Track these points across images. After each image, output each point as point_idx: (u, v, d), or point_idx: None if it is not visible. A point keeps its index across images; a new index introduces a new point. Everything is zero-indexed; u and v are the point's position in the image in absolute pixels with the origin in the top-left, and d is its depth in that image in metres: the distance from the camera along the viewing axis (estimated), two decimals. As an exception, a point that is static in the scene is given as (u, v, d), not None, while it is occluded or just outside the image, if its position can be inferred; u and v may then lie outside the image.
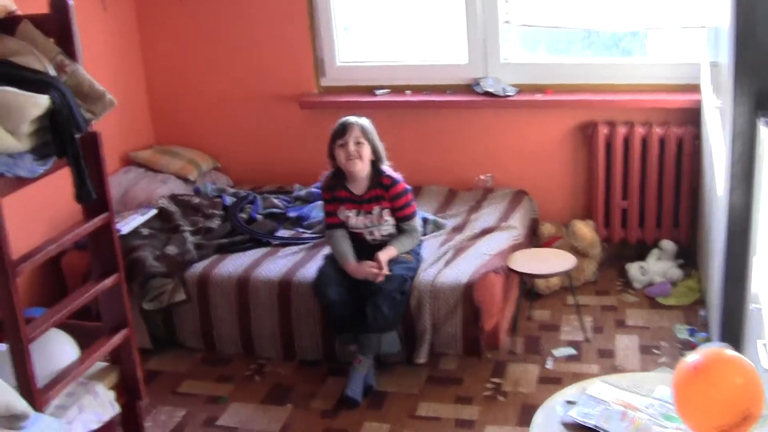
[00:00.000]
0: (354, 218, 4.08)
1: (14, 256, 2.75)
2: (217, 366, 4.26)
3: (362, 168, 4.02)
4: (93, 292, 3.14)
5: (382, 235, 4.10)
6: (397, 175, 4.11)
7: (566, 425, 2.53)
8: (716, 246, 3.91)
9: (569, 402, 2.61)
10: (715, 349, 2.44)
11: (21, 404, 2.58)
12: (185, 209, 4.84)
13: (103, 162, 3.07)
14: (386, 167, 4.11)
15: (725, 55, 3.61)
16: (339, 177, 4.10)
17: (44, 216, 4.54)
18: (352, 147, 3.98)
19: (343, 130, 4.02)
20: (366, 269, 3.94)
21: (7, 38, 2.92)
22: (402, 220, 4.10)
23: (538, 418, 2.58)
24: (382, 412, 3.79)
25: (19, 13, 3.00)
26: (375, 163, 4.07)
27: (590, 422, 2.49)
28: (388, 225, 4.09)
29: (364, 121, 4.08)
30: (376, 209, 4.07)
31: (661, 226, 4.97)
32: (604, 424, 2.47)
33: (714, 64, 4.06)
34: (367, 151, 4.02)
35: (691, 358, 2.39)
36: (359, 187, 4.08)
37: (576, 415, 2.53)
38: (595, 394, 2.63)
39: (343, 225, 4.10)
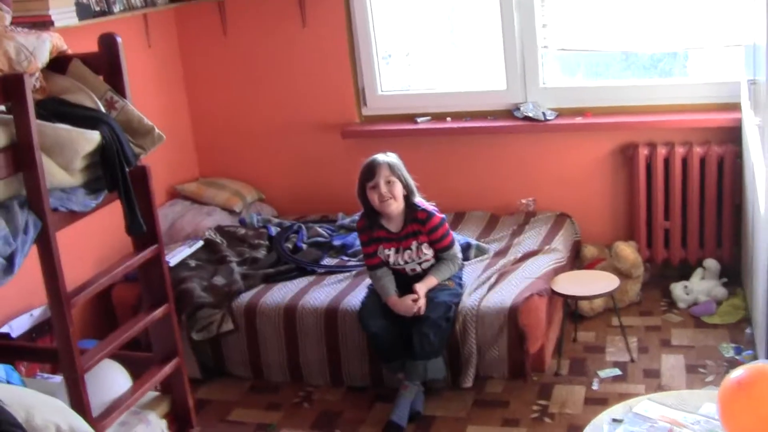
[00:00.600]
0: (394, 256, 4.08)
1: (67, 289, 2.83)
2: (266, 394, 4.32)
3: (396, 207, 4.01)
4: (144, 323, 3.22)
5: (423, 269, 4.12)
6: (431, 207, 4.10)
7: (613, 444, 2.55)
8: (760, 263, 3.90)
9: (615, 420, 2.63)
10: (759, 364, 2.44)
11: (85, 427, 2.64)
12: (231, 240, 4.93)
13: (153, 195, 3.16)
14: (419, 199, 4.10)
15: (763, 73, 3.62)
16: (373, 217, 4.08)
17: (92, 248, 4.64)
18: (383, 188, 3.96)
19: (372, 171, 3.99)
20: (406, 304, 3.93)
21: (59, 77, 3.03)
22: (441, 251, 4.09)
23: (585, 437, 2.60)
24: (429, 437, 3.83)
25: (70, 52, 3.11)
26: (407, 197, 4.05)
27: (636, 440, 2.51)
28: (427, 258, 4.10)
29: (392, 158, 4.06)
30: (414, 244, 4.06)
31: (704, 246, 4.95)
32: (650, 442, 2.49)
33: (752, 82, 4.06)
34: (399, 189, 4.00)
35: (736, 373, 2.40)
36: (395, 225, 4.08)
37: (622, 433, 2.55)
38: (642, 412, 2.64)
39: (383, 263, 4.12)
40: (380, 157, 4.03)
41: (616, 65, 5.25)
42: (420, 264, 4.09)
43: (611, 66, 5.27)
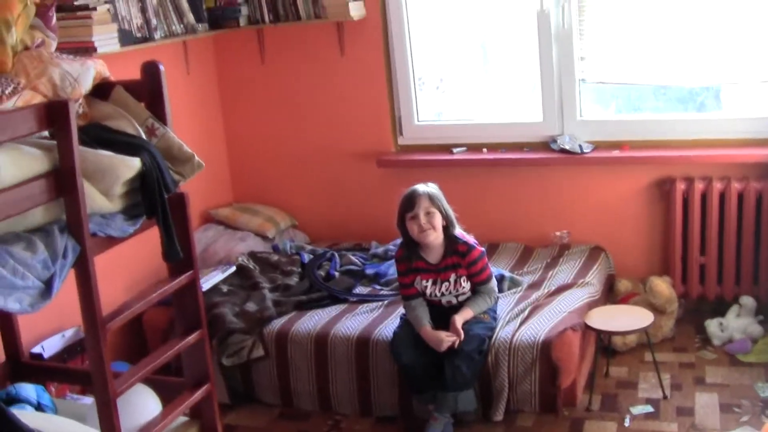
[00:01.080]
0: (431, 287, 4.07)
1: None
2: (295, 421, 4.31)
3: (436, 237, 4.00)
4: (178, 348, 3.22)
5: (459, 301, 4.10)
6: (471, 240, 4.10)
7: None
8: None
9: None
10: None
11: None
12: (264, 266, 4.94)
13: (190, 222, 3.16)
14: (459, 231, 4.09)
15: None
16: (412, 247, 4.07)
17: (124, 271, 4.68)
18: (423, 219, 3.96)
19: (412, 202, 3.99)
20: (439, 338, 3.89)
21: (102, 103, 3.06)
22: (479, 284, 4.07)
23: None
24: (460, 470, 3.80)
25: (113, 79, 3.14)
26: (447, 228, 4.04)
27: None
28: (464, 291, 4.08)
29: (432, 189, 4.05)
30: (452, 277, 4.05)
31: (740, 282, 4.90)
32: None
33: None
34: (438, 220, 3.99)
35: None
36: (434, 256, 4.07)
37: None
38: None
39: (419, 294, 4.10)
40: (420, 187, 4.03)
41: (650, 99, 5.23)
42: (457, 297, 4.07)
43: (647, 99, 5.25)
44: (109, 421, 2.86)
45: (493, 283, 4.16)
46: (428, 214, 3.96)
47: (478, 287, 4.08)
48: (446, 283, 4.05)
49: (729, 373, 4.43)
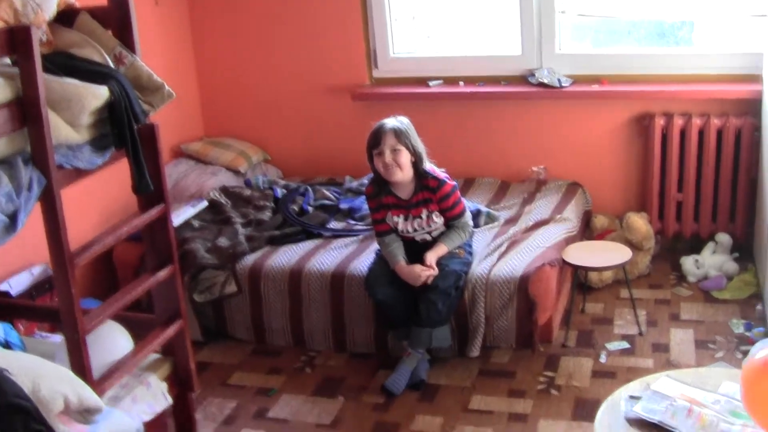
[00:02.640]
0: (402, 223, 3.99)
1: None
2: (268, 358, 4.26)
3: (402, 175, 3.88)
4: (148, 284, 3.14)
5: (433, 237, 4.03)
6: (442, 174, 3.98)
7: (630, 421, 2.49)
8: (777, 240, 3.83)
9: (633, 397, 2.56)
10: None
11: (94, 398, 2.58)
12: (236, 201, 4.85)
13: (161, 154, 3.06)
14: (429, 166, 3.97)
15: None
16: (382, 183, 3.97)
17: (95, 205, 4.58)
18: (388, 157, 3.83)
19: (378, 138, 3.85)
20: (414, 273, 3.84)
21: (66, 30, 2.93)
22: (452, 219, 3.99)
23: (602, 414, 2.54)
24: (434, 406, 3.77)
25: (78, 5, 3.01)
26: (416, 164, 3.91)
27: (655, 418, 2.44)
28: (437, 226, 4.01)
29: (400, 123, 3.89)
30: (424, 212, 3.96)
31: (716, 220, 4.88)
32: (670, 420, 2.43)
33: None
34: (405, 158, 3.85)
35: (761, 353, 2.33)
36: (405, 192, 3.97)
37: (641, 411, 2.48)
38: (660, 389, 2.58)
39: (392, 230, 4.02)
40: (389, 122, 3.89)
41: (624, 36, 5.13)
42: (430, 233, 4.00)
43: (621, 36, 5.15)
44: (79, 360, 2.79)
45: (467, 217, 4.08)
46: (394, 151, 3.83)
47: (451, 222, 4.00)
48: (418, 219, 3.98)
49: (704, 310, 4.43)
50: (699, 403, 2.50)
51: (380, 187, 3.99)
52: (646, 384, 2.64)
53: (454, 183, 4.01)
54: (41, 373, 2.45)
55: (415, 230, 4.00)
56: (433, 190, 3.93)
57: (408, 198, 3.97)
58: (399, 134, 3.85)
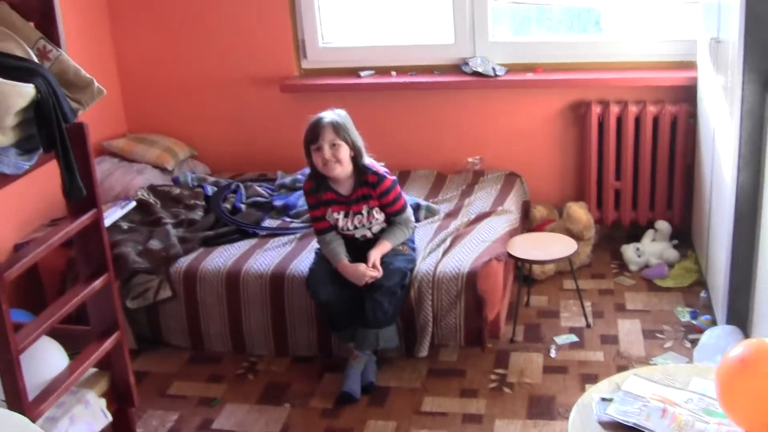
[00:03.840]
0: (343, 220, 3.84)
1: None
2: (207, 365, 4.07)
3: (342, 170, 3.74)
4: (83, 295, 2.93)
5: (374, 233, 3.89)
6: (381, 169, 3.85)
7: (603, 424, 2.39)
8: (721, 228, 3.80)
9: (605, 399, 2.46)
10: (758, 341, 2.31)
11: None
12: (165, 200, 4.63)
13: (91, 155, 2.87)
14: (368, 161, 3.84)
15: (732, 32, 3.48)
16: (321, 179, 3.81)
17: (12, 210, 4.32)
18: (327, 152, 3.69)
19: (316, 133, 3.70)
20: (358, 272, 3.71)
21: (-17, 23, 2.70)
22: (393, 214, 3.86)
23: (574, 417, 2.44)
24: (385, 409, 3.63)
25: (-5, -5, 2.78)
26: (355, 159, 3.78)
27: (630, 421, 2.35)
28: (378, 223, 3.88)
29: (338, 117, 3.74)
30: (365, 208, 3.82)
31: (654, 207, 4.86)
32: (645, 422, 2.33)
33: (716, 41, 3.93)
34: (344, 153, 3.71)
35: (735, 351, 2.27)
36: (345, 187, 3.82)
37: (614, 413, 2.38)
38: (631, 389, 2.49)
39: (332, 228, 3.87)
40: (327, 116, 3.73)
41: (533, 23, 5.08)
42: (370, 229, 3.87)
43: (530, 23, 5.10)
44: (12, 380, 2.58)
45: (409, 212, 3.94)
46: (333, 146, 3.69)
47: (393, 218, 3.87)
48: (359, 216, 3.83)
49: (648, 299, 4.40)
50: (672, 402, 2.42)
51: (319, 183, 3.83)
52: (615, 384, 2.55)
53: (394, 178, 3.87)
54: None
55: (356, 227, 3.86)
56: (373, 186, 3.79)
57: (348, 194, 3.83)
58: (338, 128, 3.70)
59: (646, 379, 2.55)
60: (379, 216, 3.84)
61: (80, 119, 2.86)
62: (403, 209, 3.88)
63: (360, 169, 3.80)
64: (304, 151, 3.78)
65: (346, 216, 3.84)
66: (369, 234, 3.88)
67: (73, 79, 2.81)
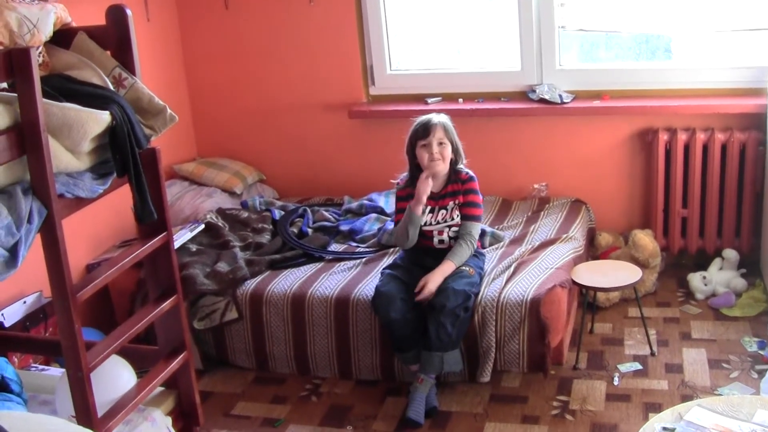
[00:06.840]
0: (428, 215, 3.97)
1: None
2: (271, 386, 4.13)
3: (443, 168, 3.93)
4: (152, 316, 3.02)
5: (450, 236, 3.97)
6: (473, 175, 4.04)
7: (665, 455, 2.38)
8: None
9: (666, 429, 2.45)
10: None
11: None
12: (233, 224, 4.72)
13: (162, 180, 2.95)
14: (463, 167, 4.04)
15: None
16: (417, 175, 3.98)
17: (86, 232, 4.44)
18: (435, 148, 3.89)
19: (427, 130, 3.92)
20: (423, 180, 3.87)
21: (63, 51, 2.82)
22: (468, 218, 3.96)
23: (635, 447, 2.43)
24: (447, 434, 3.65)
25: (75, 24, 2.89)
26: (453, 162, 3.98)
27: (692, 452, 2.34)
28: (456, 223, 3.96)
29: (446, 120, 3.99)
30: (450, 204, 3.96)
31: (722, 235, 4.80)
32: (705, 453, 2.32)
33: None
34: (449, 152, 3.93)
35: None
36: (437, 185, 3.98)
37: (676, 444, 2.38)
38: (694, 420, 2.48)
39: None
40: (436, 117, 3.97)
41: (602, 48, 5.06)
42: (450, 228, 3.95)
43: (599, 48, 5.08)
44: (82, 398, 2.66)
45: (478, 227, 4.03)
46: (441, 144, 3.91)
47: (463, 222, 3.95)
48: (443, 211, 3.96)
49: (714, 328, 4.34)
50: (735, 433, 2.41)
51: (414, 179, 3.98)
52: (678, 414, 2.54)
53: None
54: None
55: (438, 223, 3.96)
56: (463, 182, 3.99)
57: (438, 191, 3.99)
58: (447, 129, 3.95)
59: (710, 410, 2.54)
60: (457, 218, 3.95)
61: (152, 144, 2.95)
62: (477, 217, 4.01)
63: (455, 170, 3.99)
64: (406, 148, 4.00)
65: (431, 211, 3.97)
66: (445, 235, 3.97)
67: (146, 106, 2.90)
